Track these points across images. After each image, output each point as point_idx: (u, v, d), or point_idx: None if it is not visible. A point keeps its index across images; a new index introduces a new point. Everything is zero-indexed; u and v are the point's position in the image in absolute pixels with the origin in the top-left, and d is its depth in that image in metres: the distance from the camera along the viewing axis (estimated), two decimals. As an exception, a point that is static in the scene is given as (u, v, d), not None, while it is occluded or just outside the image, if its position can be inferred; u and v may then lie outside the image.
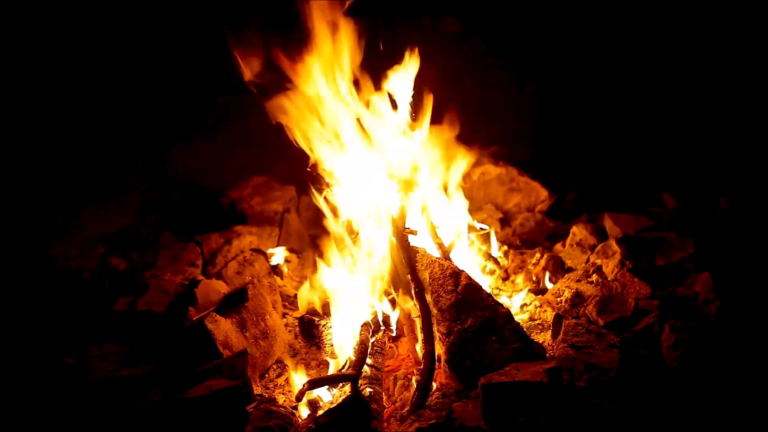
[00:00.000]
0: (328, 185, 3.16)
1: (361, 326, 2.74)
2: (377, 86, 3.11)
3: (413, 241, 2.91)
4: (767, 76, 4.11)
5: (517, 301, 3.11)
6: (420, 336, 2.59)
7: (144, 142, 4.70)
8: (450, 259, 2.98)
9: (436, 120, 3.28)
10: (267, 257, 3.59)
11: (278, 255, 3.72)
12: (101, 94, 4.64)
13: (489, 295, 2.57)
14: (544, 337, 2.75)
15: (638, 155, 4.34)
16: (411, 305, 2.74)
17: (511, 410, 2.07)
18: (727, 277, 2.66)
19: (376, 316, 2.82)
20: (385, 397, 2.49)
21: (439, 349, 2.52)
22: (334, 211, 3.15)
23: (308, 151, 3.10)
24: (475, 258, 3.39)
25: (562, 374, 2.18)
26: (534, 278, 3.34)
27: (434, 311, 2.57)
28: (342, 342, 2.80)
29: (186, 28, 4.76)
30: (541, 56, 4.84)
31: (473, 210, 4.09)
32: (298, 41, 2.97)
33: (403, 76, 3.13)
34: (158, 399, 2.49)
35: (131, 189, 4.49)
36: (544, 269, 3.32)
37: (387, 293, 2.89)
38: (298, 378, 2.69)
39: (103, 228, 4.13)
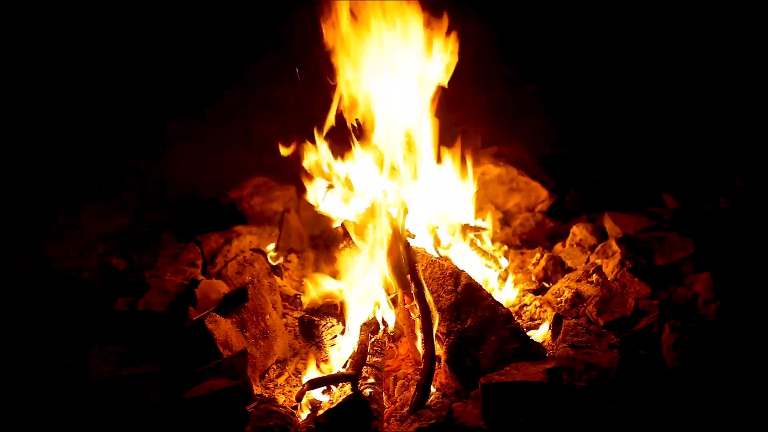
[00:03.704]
0: (330, 186, 3.16)
1: (361, 326, 2.74)
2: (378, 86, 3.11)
3: (413, 241, 2.91)
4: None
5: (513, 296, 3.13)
6: (420, 336, 2.59)
7: (144, 142, 4.70)
8: (450, 259, 2.98)
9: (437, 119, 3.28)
10: (267, 257, 3.59)
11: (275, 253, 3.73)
12: (101, 94, 4.64)
13: (489, 295, 2.57)
14: (544, 337, 2.75)
15: (639, 155, 4.36)
16: (411, 305, 2.74)
17: (511, 410, 2.07)
18: (727, 277, 2.67)
19: (376, 316, 2.82)
20: (385, 397, 2.49)
21: (439, 350, 2.52)
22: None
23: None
24: (474, 258, 3.39)
25: (562, 374, 2.18)
26: (534, 278, 3.34)
27: (434, 311, 2.57)
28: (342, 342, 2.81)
29: (186, 28, 4.76)
30: (541, 55, 4.85)
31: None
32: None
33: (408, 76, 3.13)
34: (158, 399, 2.49)
35: (131, 189, 4.49)
36: (544, 269, 3.32)
37: (387, 293, 2.89)
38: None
39: (103, 228, 4.13)
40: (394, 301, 2.86)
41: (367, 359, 2.58)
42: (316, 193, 3.16)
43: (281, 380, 2.77)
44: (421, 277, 2.69)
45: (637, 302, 2.73)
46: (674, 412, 2.12)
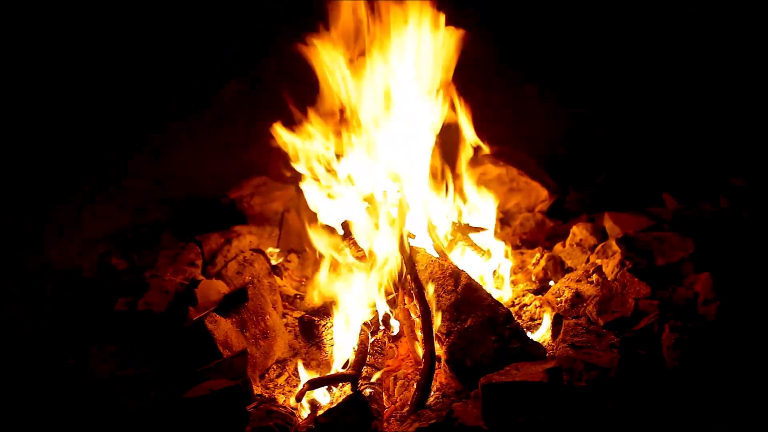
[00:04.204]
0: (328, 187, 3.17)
1: (361, 326, 2.75)
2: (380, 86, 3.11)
3: (413, 241, 2.91)
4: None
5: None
6: (420, 336, 2.59)
7: (144, 142, 4.70)
8: (449, 259, 2.98)
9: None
10: (267, 257, 3.59)
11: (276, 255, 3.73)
12: (101, 94, 4.64)
13: (489, 295, 2.57)
14: (544, 337, 2.75)
15: (639, 155, 4.36)
16: (411, 305, 2.74)
17: (511, 410, 2.07)
18: (727, 277, 2.66)
19: (376, 316, 2.82)
20: (385, 397, 2.50)
21: (439, 350, 2.52)
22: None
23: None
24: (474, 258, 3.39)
25: (562, 374, 2.18)
26: (534, 278, 3.34)
27: (434, 311, 2.57)
28: (342, 342, 2.81)
29: (187, 28, 4.76)
30: (542, 56, 4.85)
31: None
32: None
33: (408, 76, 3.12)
34: (158, 399, 2.49)
35: (131, 189, 4.49)
36: (544, 269, 3.32)
37: (387, 293, 2.89)
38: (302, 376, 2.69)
39: (103, 228, 4.13)
40: (393, 302, 2.86)
41: (367, 359, 2.58)
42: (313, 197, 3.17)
43: (281, 380, 2.77)
44: (421, 277, 2.69)
45: (637, 302, 2.73)
46: (674, 412, 2.12)
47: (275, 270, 3.55)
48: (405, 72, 3.07)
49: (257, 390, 2.59)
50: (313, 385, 2.42)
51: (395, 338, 2.83)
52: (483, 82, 4.79)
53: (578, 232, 3.49)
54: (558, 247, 3.58)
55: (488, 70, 4.82)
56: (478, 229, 3.41)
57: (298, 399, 2.38)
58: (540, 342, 2.64)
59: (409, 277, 2.73)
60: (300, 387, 2.44)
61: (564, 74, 4.84)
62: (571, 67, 4.83)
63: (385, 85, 3.07)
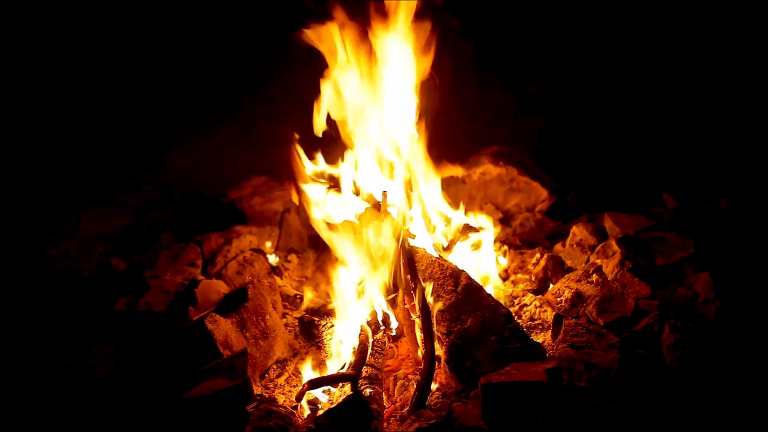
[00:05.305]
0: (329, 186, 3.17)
1: (361, 326, 2.75)
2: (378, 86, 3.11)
3: (413, 241, 2.91)
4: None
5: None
6: (420, 336, 2.59)
7: (144, 142, 4.70)
8: (449, 259, 2.98)
9: (436, 121, 3.28)
10: (267, 257, 3.59)
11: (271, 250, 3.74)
12: (101, 94, 4.64)
13: (489, 295, 2.57)
14: (544, 337, 2.75)
15: (639, 155, 4.36)
16: (411, 305, 2.73)
17: (511, 410, 2.08)
18: (727, 277, 2.67)
19: (376, 316, 2.82)
20: (385, 397, 2.50)
21: (439, 350, 2.52)
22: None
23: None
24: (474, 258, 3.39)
25: (562, 374, 2.18)
26: (533, 278, 3.34)
27: (434, 311, 2.57)
28: (342, 342, 2.81)
29: (188, 29, 4.77)
30: (542, 56, 4.86)
31: (473, 210, 4.09)
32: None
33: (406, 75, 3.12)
34: (158, 399, 2.49)
35: (131, 189, 4.49)
36: (544, 269, 3.32)
37: (387, 293, 2.89)
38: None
39: (103, 228, 4.13)
40: (393, 302, 2.86)
41: (367, 359, 2.59)
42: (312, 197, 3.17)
43: (281, 380, 2.77)
44: (421, 277, 2.69)
45: (637, 302, 2.73)
46: (674, 413, 2.13)
47: (275, 270, 3.55)
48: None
49: (257, 390, 2.59)
50: (313, 385, 2.42)
51: (395, 338, 2.83)
52: (483, 81, 4.80)
53: (578, 232, 3.49)
54: (558, 247, 3.58)
55: (489, 69, 4.83)
56: (477, 229, 3.41)
57: (298, 399, 2.39)
58: (540, 342, 2.64)
59: (409, 277, 2.73)
60: (300, 387, 2.44)
61: (563, 74, 4.84)
62: (570, 67, 4.84)
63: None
